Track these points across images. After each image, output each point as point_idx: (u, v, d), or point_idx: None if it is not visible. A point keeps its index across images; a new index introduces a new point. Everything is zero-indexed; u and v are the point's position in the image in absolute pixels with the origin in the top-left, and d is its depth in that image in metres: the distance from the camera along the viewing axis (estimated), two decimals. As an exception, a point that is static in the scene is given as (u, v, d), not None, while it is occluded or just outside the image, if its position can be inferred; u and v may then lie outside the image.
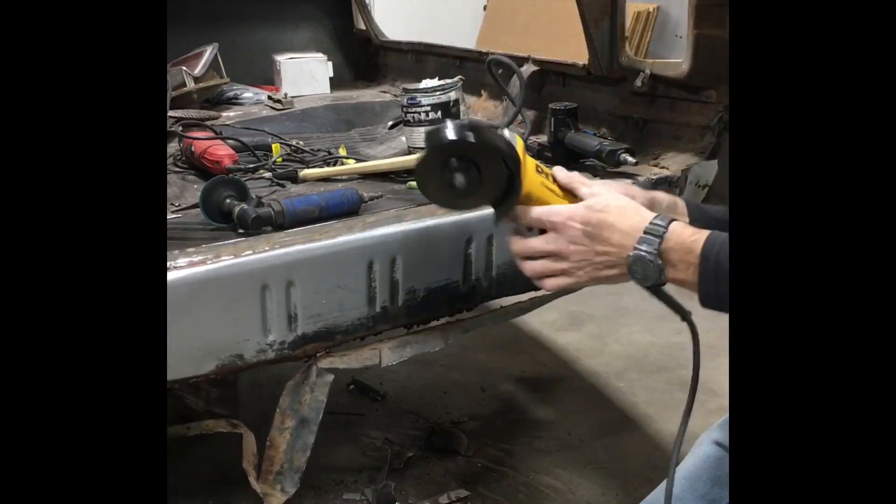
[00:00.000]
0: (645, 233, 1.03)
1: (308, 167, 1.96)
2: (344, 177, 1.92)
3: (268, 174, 1.91)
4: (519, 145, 1.12)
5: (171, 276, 1.34)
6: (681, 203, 1.25)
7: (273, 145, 2.12)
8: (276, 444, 1.64)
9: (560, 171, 1.16)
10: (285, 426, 1.63)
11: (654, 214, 1.06)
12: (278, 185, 1.87)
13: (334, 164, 2.02)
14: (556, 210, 1.10)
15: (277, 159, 2.04)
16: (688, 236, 1.01)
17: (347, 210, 1.61)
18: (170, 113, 2.31)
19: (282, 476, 1.65)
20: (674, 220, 1.05)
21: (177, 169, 2.02)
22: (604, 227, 1.06)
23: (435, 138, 1.10)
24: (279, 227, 1.53)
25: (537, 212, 1.10)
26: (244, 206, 1.52)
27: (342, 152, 2.14)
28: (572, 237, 1.08)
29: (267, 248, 1.43)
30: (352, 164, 1.99)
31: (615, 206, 1.07)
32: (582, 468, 2.20)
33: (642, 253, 1.02)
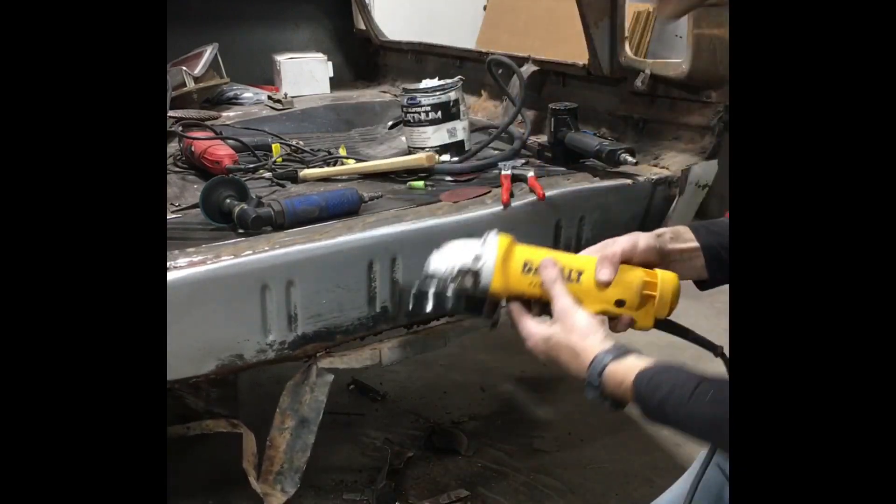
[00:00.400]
0: (587, 379, 1.13)
1: (308, 167, 1.96)
2: (344, 177, 1.92)
3: (268, 174, 1.91)
4: (501, 248, 1.19)
5: (171, 276, 1.34)
6: (684, 230, 1.26)
7: (273, 145, 2.12)
8: (276, 444, 1.64)
9: (545, 276, 1.22)
10: (285, 426, 1.63)
11: (599, 350, 1.13)
12: (278, 185, 1.87)
13: (334, 164, 2.02)
14: (526, 331, 1.21)
15: (277, 159, 2.04)
16: (618, 384, 1.10)
17: (347, 210, 1.61)
18: (170, 113, 2.31)
19: (282, 476, 1.65)
20: (612, 361, 1.11)
21: (177, 169, 2.02)
22: (559, 362, 1.18)
23: (415, 302, 1.24)
24: (279, 227, 1.53)
25: (518, 325, 1.23)
26: (244, 206, 1.52)
27: (342, 152, 2.14)
28: (539, 355, 1.20)
29: (267, 248, 1.43)
30: (352, 164, 1.99)
31: (566, 345, 1.16)
32: (582, 468, 2.20)
33: (590, 397, 1.13)
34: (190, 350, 1.40)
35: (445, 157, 2.01)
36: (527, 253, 1.21)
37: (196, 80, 2.59)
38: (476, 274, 1.20)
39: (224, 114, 2.57)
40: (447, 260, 1.22)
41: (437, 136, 2.02)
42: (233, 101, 2.78)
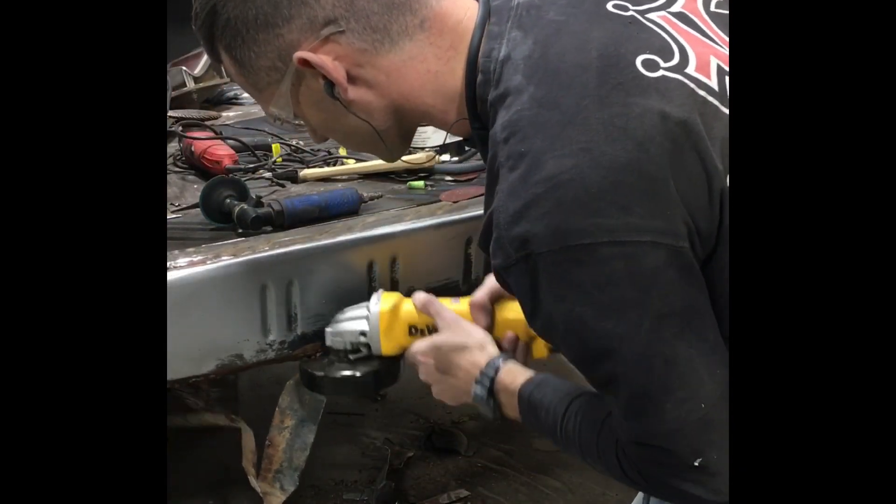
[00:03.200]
0: (480, 374, 1.15)
1: (308, 167, 1.96)
2: (344, 177, 1.92)
3: (268, 174, 1.91)
4: (383, 319, 1.30)
5: (171, 276, 1.34)
6: None
7: (273, 145, 2.12)
8: (275, 443, 1.64)
9: (417, 300, 1.28)
10: (285, 426, 1.63)
11: (493, 356, 1.16)
12: (278, 185, 1.87)
13: (334, 164, 2.01)
14: (412, 349, 1.26)
15: (277, 159, 2.04)
16: (509, 383, 1.12)
17: (347, 210, 1.61)
18: (170, 113, 2.31)
19: (281, 474, 1.65)
20: (509, 361, 1.15)
21: (177, 169, 2.02)
22: (450, 366, 1.19)
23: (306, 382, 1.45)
24: (279, 226, 1.53)
25: (406, 356, 1.29)
26: (244, 206, 1.52)
27: (342, 152, 2.14)
28: (428, 371, 1.24)
29: (267, 248, 1.43)
30: (352, 164, 1.99)
31: (461, 345, 1.18)
32: (582, 468, 2.20)
33: (477, 394, 1.15)
34: (190, 350, 1.40)
35: (445, 157, 2.01)
36: (412, 317, 1.30)
37: (196, 80, 2.58)
38: (367, 346, 1.33)
39: (224, 114, 2.56)
40: (340, 337, 1.35)
41: (436, 135, 2.02)
42: (233, 101, 2.77)
